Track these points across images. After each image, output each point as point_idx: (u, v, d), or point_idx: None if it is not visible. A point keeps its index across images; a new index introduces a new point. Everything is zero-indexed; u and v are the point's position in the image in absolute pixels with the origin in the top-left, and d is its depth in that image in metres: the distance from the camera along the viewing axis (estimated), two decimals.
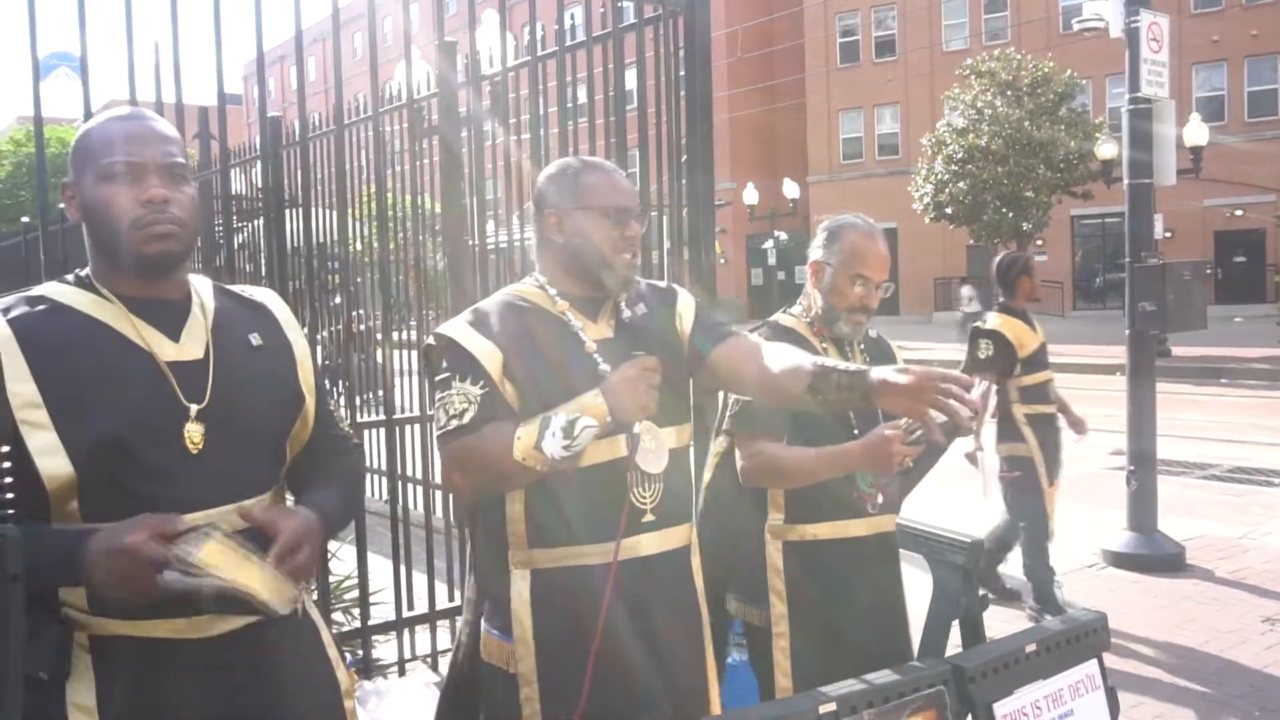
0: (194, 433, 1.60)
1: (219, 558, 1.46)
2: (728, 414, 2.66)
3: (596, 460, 1.97)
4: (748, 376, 2.13)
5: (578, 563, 1.98)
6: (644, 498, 2.01)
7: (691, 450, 2.20)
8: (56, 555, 1.47)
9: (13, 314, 1.58)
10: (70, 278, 1.69)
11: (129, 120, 1.68)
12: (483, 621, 2.11)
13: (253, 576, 1.50)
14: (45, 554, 1.46)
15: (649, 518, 2.01)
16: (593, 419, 1.88)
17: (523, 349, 1.99)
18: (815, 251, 2.71)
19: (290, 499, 1.85)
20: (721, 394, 2.77)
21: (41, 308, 1.61)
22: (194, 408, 1.61)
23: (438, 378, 2.02)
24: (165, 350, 1.64)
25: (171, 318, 1.67)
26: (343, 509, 1.81)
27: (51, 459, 1.51)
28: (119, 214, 1.61)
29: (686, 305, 2.23)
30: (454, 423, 1.94)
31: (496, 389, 1.96)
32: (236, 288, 1.86)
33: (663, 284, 2.32)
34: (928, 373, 1.83)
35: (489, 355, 1.98)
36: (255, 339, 1.76)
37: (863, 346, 2.75)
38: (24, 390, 1.52)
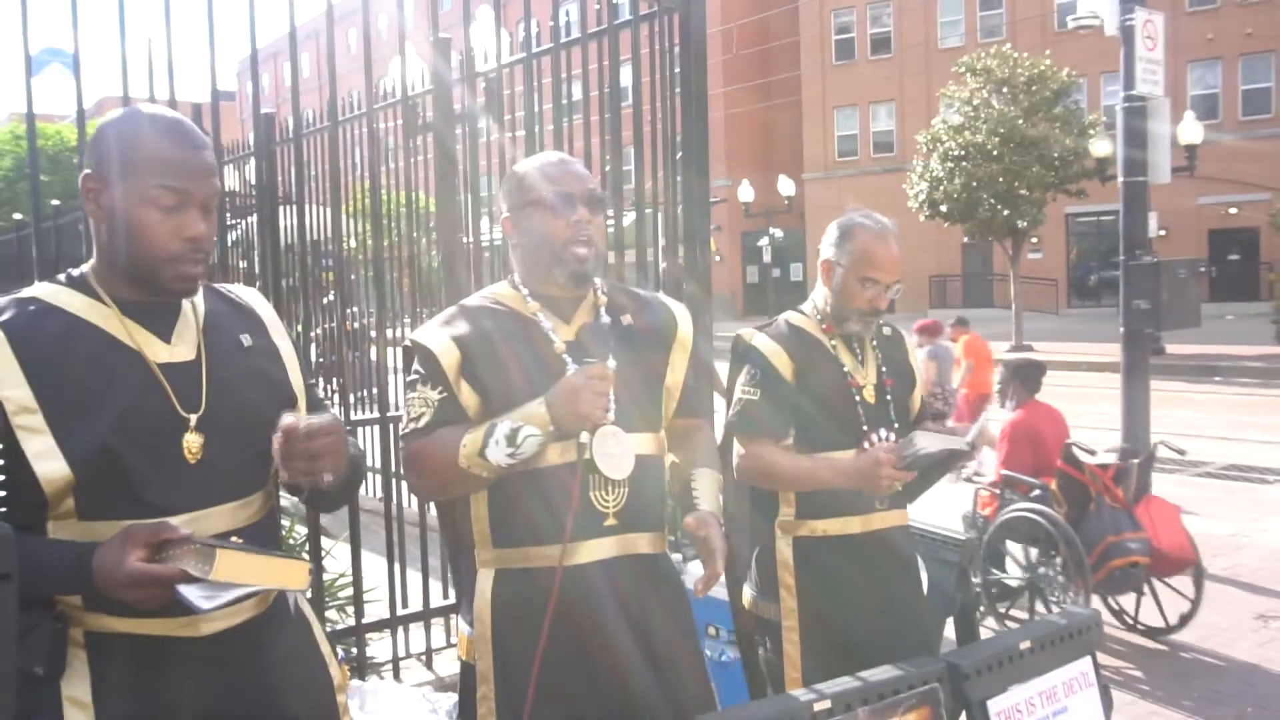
0: (193, 443, 1.60)
1: (233, 569, 1.45)
2: (730, 412, 2.66)
3: (556, 461, 1.94)
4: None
5: (539, 564, 1.95)
6: (606, 501, 1.97)
7: (666, 459, 2.15)
8: (61, 571, 1.48)
9: (4, 317, 1.56)
10: (63, 278, 1.66)
11: (180, 143, 1.62)
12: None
13: (267, 573, 1.50)
14: (50, 568, 1.47)
15: (610, 522, 1.97)
16: (536, 427, 1.87)
17: (490, 351, 1.98)
18: (826, 250, 2.67)
19: (282, 496, 1.85)
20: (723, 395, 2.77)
21: (33, 309, 1.59)
22: (193, 418, 1.60)
23: (407, 380, 2.05)
24: (157, 352, 1.62)
25: (163, 318, 1.66)
26: (355, 457, 1.79)
27: (49, 463, 1.50)
28: (156, 245, 1.59)
29: (686, 329, 2.20)
30: (411, 425, 1.98)
31: (454, 393, 1.96)
32: (222, 287, 1.85)
33: (658, 297, 2.30)
34: (714, 552, 1.95)
35: (446, 351, 1.98)
36: (246, 339, 1.75)
37: (875, 343, 2.72)
38: (18, 395, 1.51)
